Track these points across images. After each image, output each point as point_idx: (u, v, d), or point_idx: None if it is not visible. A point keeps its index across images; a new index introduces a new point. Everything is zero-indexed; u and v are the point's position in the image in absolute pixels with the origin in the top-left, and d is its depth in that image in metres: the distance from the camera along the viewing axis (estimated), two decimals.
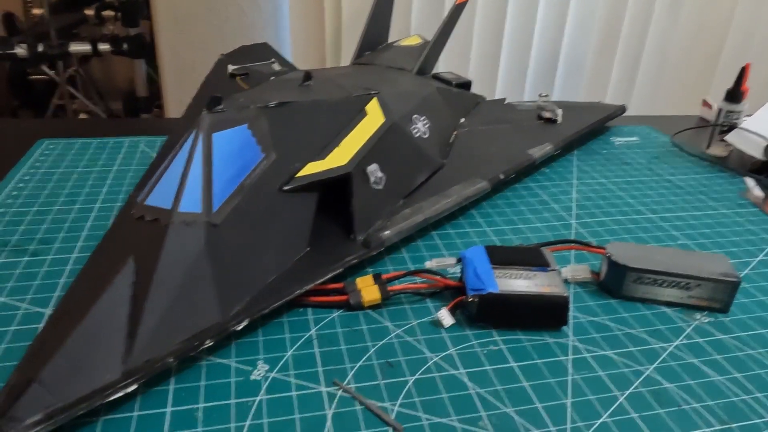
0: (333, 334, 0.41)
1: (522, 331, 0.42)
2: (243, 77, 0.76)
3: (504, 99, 0.86)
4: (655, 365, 0.40)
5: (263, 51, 0.88)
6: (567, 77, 1.34)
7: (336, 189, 0.50)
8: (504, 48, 1.28)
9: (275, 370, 0.38)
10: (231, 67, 0.77)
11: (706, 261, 0.46)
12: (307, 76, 0.57)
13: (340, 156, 0.50)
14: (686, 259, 0.46)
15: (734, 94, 0.76)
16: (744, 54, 1.30)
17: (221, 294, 0.38)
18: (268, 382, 0.37)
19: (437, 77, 0.82)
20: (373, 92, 0.58)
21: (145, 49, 1.55)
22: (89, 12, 1.89)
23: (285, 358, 0.39)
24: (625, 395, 0.37)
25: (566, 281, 0.48)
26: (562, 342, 0.42)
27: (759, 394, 0.38)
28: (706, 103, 0.93)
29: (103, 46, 1.55)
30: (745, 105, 0.77)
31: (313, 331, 0.41)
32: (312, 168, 0.48)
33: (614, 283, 0.46)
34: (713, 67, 1.34)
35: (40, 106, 1.94)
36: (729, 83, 0.79)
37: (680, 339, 0.42)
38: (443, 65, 1.29)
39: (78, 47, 1.54)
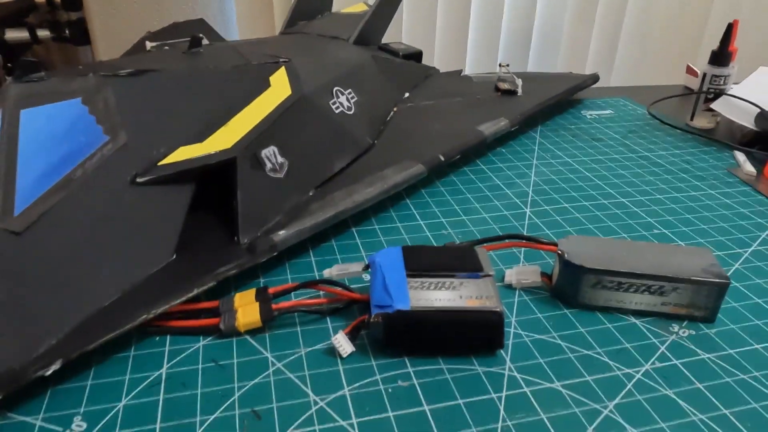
0: (189, 373, 0.31)
1: (445, 358, 0.32)
2: None
3: (460, 71, 0.76)
4: (616, 401, 0.30)
5: (198, 27, 0.77)
6: (542, 49, 1.23)
7: (221, 180, 0.40)
8: (472, 17, 1.17)
9: (95, 430, 0.27)
10: (149, 45, 0.67)
11: (686, 257, 0.36)
12: (195, 41, 0.46)
13: (225, 138, 0.40)
14: (660, 255, 0.36)
15: (721, 56, 0.65)
16: (734, 15, 1.19)
17: (21, 327, 0.28)
18: None
19: (384, 48, 0.71)
20: (282, 60, 0.48)
21: (89, 34, 1.44)
22: None
23: (114, 411, 0.28)
24: None
25: (511, 287, 0.38)
26: (495, 372, 0.32)
27: None
28: (690, 70, 0.83)
29: (43, 33, 1.43)
30: (734, 68, 0.66)
31: (163, 370, 0.31)
32: (183, 154, 0.38)
33: (569, 288, 0.36)
34: (701, 31, 1.23)
35: None
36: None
37: (651, 362, 0.33)
38: (406, 39, 1.19)
39: (15, 34, 1.42)
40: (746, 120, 0.62)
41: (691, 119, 0.68)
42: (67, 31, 1.45)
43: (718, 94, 0.66)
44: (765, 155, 0.57)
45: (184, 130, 0.38)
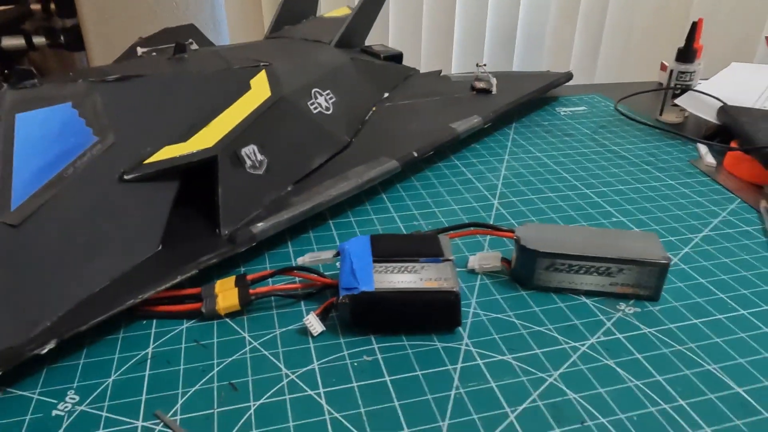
0: (173, 352, 0.34)
1: (408, 335, 0.35)
2: None
3: (440, 71, 0.79)
4: (560, 371, 0.33)
5: (188, 33, 0.80)
6: (526, 48, 1.26)
7: (205, 176, 0.43)
8: (457, 18, 1.20)
9: (86, 402, 0.30)
10: (140, 50, 0.70)
11: (632, 241, 0.39)
12: (180, 47, 0.49)
13: (207, 137, 0.43)
14: (609, 240, 0.39)
15: (686, 53, 0.68)
16: (713, 14, 1.22)
17: (18, 310, 0.31)
18: (72, 417, 0.30)
19: (366, 50, 0.74)
20: (262, 64, 0.51)
21: (83, 40, 1.46)
22: (35, 6, 1.80)
23: (104, 386, 0.31)
24: (517, 412, 0.30)
25: (473, 272, 0.42)
26: (453, 347, 0.35)
27: (682, 402, 0.31)
28: (664, 66, 0.86)
29: (39, 40, 1.46)
30: (699, 65, 0.69)
31: (149, 349, 0.34)
32: (168, 152, 0.41)
33: (525, 271, 0.39)
34: (681, 30, 1.26)
35: None
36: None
37: (596, 336, 0.36)
38: (393, 41, 1.22)
39: (11, 41, 1.45)
40: (709, 114, 0.65)
41: (660, 114, 0.71)
42: (62, 38, 1.48)
43: (685, 89, 0.69)
44: (725, 147, 0.60)
45: (168, 131, 0.41)
